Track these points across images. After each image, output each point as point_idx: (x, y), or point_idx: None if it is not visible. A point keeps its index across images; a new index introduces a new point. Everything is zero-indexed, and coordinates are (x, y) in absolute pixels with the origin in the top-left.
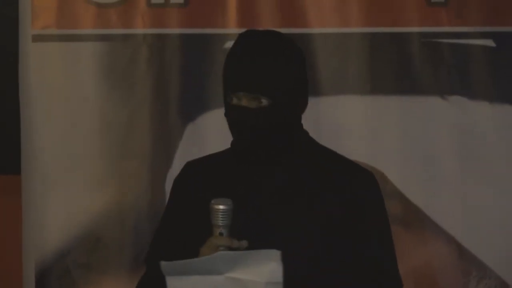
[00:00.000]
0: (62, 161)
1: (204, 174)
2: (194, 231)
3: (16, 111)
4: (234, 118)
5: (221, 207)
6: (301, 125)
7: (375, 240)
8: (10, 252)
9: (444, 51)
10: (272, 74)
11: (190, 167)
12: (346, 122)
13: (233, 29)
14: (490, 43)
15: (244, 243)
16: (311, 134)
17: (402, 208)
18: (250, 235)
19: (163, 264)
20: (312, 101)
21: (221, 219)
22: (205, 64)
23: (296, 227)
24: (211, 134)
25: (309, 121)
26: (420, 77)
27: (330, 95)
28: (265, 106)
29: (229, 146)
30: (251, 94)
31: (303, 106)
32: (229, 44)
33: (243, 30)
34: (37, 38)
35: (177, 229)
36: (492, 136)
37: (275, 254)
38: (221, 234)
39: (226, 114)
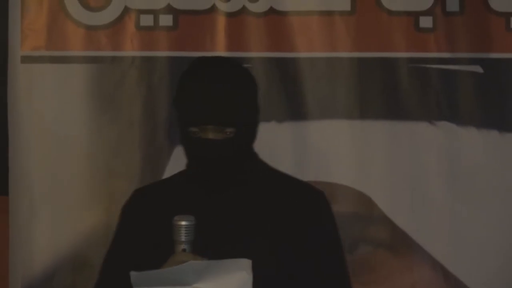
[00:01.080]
0: (49, 182)
1: (156, 201)
2: (149, 257)
3: (4, 131)
4: (201, 150)
5: (183, 223)
6: (253, 148)
7: (328, 259)
8: None
9: (432, 77)
10: (236, 104)
11: (140, 194)
12: (334, 147)
13: (222, 53)
14: (477, 69)
15: (200, 259)
16: (299, 158)
17: (389, 233)
18: (207, 255)
19: (133, 274)
20: (300, 126)
21: (184, 235)
22: None
23: (251, 248)
24: None
25: (296, 146)
26: (408, 103)
27: (318, 119)
28: (230, 136)
29: None
30: (219, 126)
31: (257, 131)
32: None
33: (231, 53)
34: (26, 60)
35: (129, 258)
36: (480, 161)
37: (245, 263)
38: (184, 250)
39: (186, 143)
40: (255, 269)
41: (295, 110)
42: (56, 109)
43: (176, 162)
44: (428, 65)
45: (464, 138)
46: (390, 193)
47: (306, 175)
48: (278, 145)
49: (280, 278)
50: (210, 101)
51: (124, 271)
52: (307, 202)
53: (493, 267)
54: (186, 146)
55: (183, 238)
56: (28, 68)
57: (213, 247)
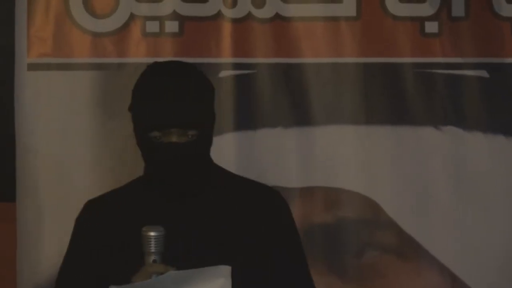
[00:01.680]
0: (56, 188)
1: (111, 210)
2: (108, 269)
3: (11, 138)
4: (164, 155)
5: (152, 233)
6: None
7: (290, 257)
8: (5, 280)
9: (438, 82)
10: (198, 106)
11: (93, 205)
12: (340, 152)
13: (228, 59)
14: (483, 74)
15: (172, 269)
16: (305, 163)
17: (396, 238)
18: (175, 262)
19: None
20: (305, 131)
21: (154, 245)
22: None
23: (217, 254)
24: None
25: (302, 151)
26: (414, 108)
27: (324, 125)
28: (193, 139)
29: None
30: (182, 129)
31: (212, 134)
32: (223, 73)
33: (237, 59)
34: (33, 67)
35: (84, 270)
36: (486, 166)
37: (225, 269)
38: (154, 261)
39: (148, 151)
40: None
41: (301, 115)
42: (63, 116)
43: None
44: (433, 70)
45: (470, 143)
46: (396, 198)
47: (312, 181)
48: (284, 150)
49: (249, 280)
50: (173, 104)
51: (79, 284)
52: (266, 203)
53: (499, 271)
54: (147, 152)
55: (153, 249)
56: (35, 75)
57: (177, 255)
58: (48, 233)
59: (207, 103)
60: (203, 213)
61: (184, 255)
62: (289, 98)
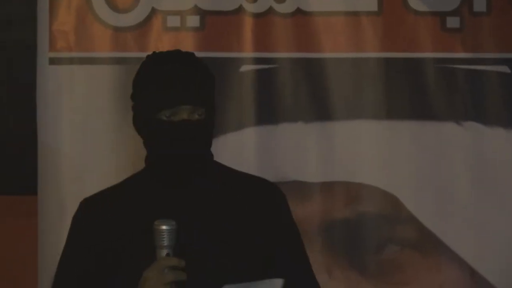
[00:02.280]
0: (78, 182)
1: (110, 207)
2: (116, 263)
3: (33, 132)
4: (177, 132)
5: (165, 227)
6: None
7: (290, 249)
8: (26, 273)
9: (459, 77)
10: (205, 84)
11: (89, 203)
12: (360, 147)
13: (249, 53)
14: (505, 69)
15: (183, 262)
16: (325, 158)
17: (416, 233)
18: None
19: None
20: (326, 126)
21: (167, 239)
22: (220, 87)
23: (217, 245)
24: (226, 157)
25: (323, 146)
26: (435, 103)
27: (344, 119)
28: (203, 117)
29: (239, 169)
30: (194, 105)
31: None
32: (244, 68)
33: (258, 54)
34: (54, 61)
35: (81, 269)
36: (507, 161)
37: (278, 282)
38: (168, 254)
39: (157, 131)
40: (228, 266)
41: (322, 110)
42: (84, 110)
43: None
44: (454, 66)
45: (490, 138)
46: (417, 193)
47: (333, 176)
48: (305, 145)
49: (251, 271)
50: (182, 83)
51: (76, 282)
52: (266, 195)
53: None
54: (155, 135)
55: (165, 243)
56: (56, 69)
57: (179, 246)
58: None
59: (211, 89)
60: (204, 205)
61: (186, 247)
62: (310, 93)
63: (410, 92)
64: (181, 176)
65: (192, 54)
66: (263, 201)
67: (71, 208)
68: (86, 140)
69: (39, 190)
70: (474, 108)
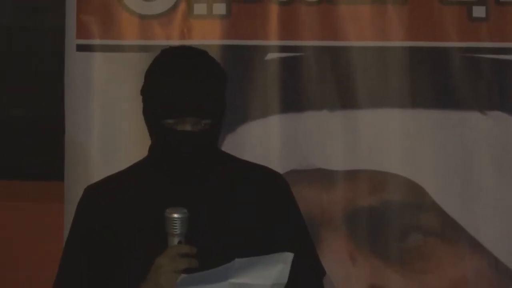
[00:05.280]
0: (105, 168)
1: (114, 195)
2: (122, 251)
3: (61, 118)
4: (177, 142)
5: (177, 215)
6: None
7: (298, 235)
8: (53, 258)
9: (485, 67)
10: (213, 95)
11: (94, 191)
12: (385, 136)
13: (274, 41)
14: None
15: (194, 250)
16: (350, 146)
17: (440, 222)
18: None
19: (183, 277)
20: (351, 114)
21: (180, 227)
22: (245, 75)
23: (222, 235)
24: (250, 144)
25: (348, 134)
26: (460, 92)
27: (369, 108)
28: (208, 127)
29: (261, 156)
30: (197, 118)
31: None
32: (270, 56)
33: (284, 42)
34: (82, 48)
35: (85, 255)
36: None
37: (287, 256)
38: (180, 242)
39: (160, 137)
40: (236, 254)
41: (347, 98)
42: (111, 96)
43: (228, 150)
44: (480, 55)
45: None
46: (441, 182)
47: (357, 164)
48: (329, 133)
49: None
50: (189, 93)
51: (81, 269)
52: (270, 184)
53: None
54: (159, 137)
55: (178, 231)
56: (84, 56)
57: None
58: None
59: (221, 92)
60: (209, 196)
61: (195, 236)
62: (335, 81)
63: (435, 81)
64: (181, 176)
65: (204, 55)
66: (267, 189)
67: None
68: (112, 127)
69: (66, 176)
70: (499, 97)
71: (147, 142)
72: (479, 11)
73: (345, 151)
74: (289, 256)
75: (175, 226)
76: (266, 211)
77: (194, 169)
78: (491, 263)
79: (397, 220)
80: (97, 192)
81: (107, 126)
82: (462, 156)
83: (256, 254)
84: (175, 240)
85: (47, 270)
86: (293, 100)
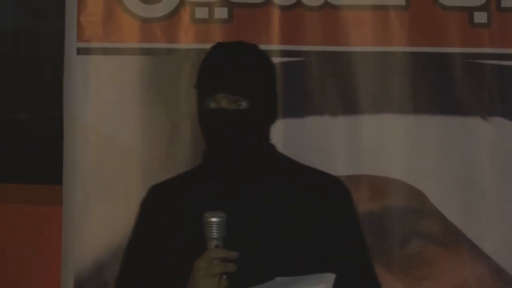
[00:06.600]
0: (103, 173)
1: (175, 196)
2: (171, 253)
3: (59, 121)
4: (213, 120)
5: (214, 219)
6: (270, 138)
7: (351, 246)
8: (49, 262)
9: (486, 72)
10: (251, 77)
11: (157, 190)
12: (387, 141)
13: (276, 46)
14: None
15: (235, 254)
16: (352, 152)
17: (441, 228)
18: (237, 245)
19: None
20: (353, 120)
21: (216, 231)
22: None
23: (274, 240)
24: None
25: (349, 139)
26: (461, 98)
27: (371, 113)
28: (244, 108)
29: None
30: (231, 95)
31: (274, 118)
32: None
33: (285, 47)
34: (82, 51)
35: (149, 254)
36: None
37: (329, 277)
38: (217, 246)
39: (202, 120)
40: (283, 260)
41: (349, 104)
42: (111, 100)
43: None
44: (482, 61)
45: None
46: (442, 188)
47: (359, 169)
48: (331, 138)
49: (302, 266)
50: (224, 70)
51: (142, 268)
52: (329, 191)
53: None
54: (202, 124)
55: (215, 235)
56: (84, 59)
57: (239, 237)
58: (94, 216)
59: (262, 79)
60: (263, 198)
61: (238, 239)
62: (336, 86)
63: (437, 87)
64: (230, 169)
65: (250, 46)
66: (324, 196)
67: (96, 196)
68: (112, 131)
69: (64, 178)
70: (501, 103)
71: (147, 145)
72: (480, 17)
73: (347, 156)
74: (331, 277)
75: (212, 230)
76: (318, 218)
77: (232, 155)
78: (492, 270)
79: (398, 225)
80: (159, 192)
81: (106, 130)
82: (463, 162)
83: (301, 261)
84: (213, 244)
85: (45, 273)
86: (295, 105)
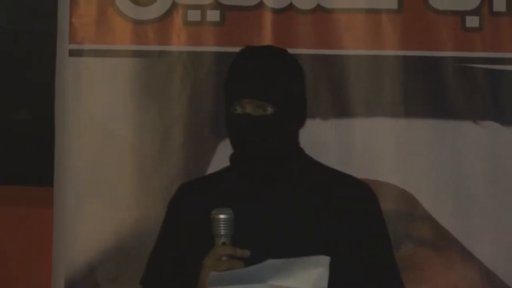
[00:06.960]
0: (95, 174)
1: (201, 195)
2: (195, 252)
3: (50, 123)
4: (238, 125)
5: (221, 216)
6: (299, 142)
7: (377, 250)
8: (40, 264)
9: (478, 76)
10: (278, 82)
11: (185, 189)
12: (378, 144)
13: None
14: None
15: (247, 252)
16: (343, 155)
17: (432, 232)
18: (253, 248)
19: (212, 275)
20: (344, 123)
21: (223, 228)
22: None
23: (296, 242)
24: None
25: (341, 143)
26: (453, 102)
27: (363, 117)
28: (269, 114)
29: None
30: (257, 100)
31: (302, 122)
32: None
33: None
34: (74, 53)
35: (174, 251)
36: None
37: (324, 259)
38: (224, 243)
39: (228, 124)
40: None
41: (340, 107)
42: (103, 102)
43: (221, 156)
44: (474, 65)
45: (508, 138)
46: (433, 192)
47: (350, 172)
48: (323, 142)
49: (334, 271)
50: (251, 75)
51: (169, 265)
52: (355, 196)
53: None
54: (229, 129)
55: (222, 232)
56: (76, 61)
57: (257, 241)
58: (85, 218)
59: (289, 84)
60: (288, 200)
61: (251, 239)
62: (328, 90)
63: (429, 91)
64: (257, 177)
65: (281, 50)
66: (348, 200)
67: (87, 198)
68: (104, 133)
69: (55, 180)
70: (492, 107)
71: (140, 147)
72: (472, 21)
73: (338, 160)
74: (326, 260)
75: (220, 227)
76: (346, 223)
77: (259, 158)
78: (483, 274)
79: (390, 229)
80: (187, 191)
81: (98, 132)
82: (454, 166)
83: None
84: (220, 241)
85: (36, 274)
86: None
